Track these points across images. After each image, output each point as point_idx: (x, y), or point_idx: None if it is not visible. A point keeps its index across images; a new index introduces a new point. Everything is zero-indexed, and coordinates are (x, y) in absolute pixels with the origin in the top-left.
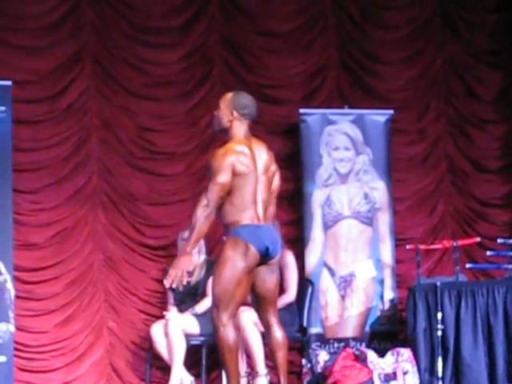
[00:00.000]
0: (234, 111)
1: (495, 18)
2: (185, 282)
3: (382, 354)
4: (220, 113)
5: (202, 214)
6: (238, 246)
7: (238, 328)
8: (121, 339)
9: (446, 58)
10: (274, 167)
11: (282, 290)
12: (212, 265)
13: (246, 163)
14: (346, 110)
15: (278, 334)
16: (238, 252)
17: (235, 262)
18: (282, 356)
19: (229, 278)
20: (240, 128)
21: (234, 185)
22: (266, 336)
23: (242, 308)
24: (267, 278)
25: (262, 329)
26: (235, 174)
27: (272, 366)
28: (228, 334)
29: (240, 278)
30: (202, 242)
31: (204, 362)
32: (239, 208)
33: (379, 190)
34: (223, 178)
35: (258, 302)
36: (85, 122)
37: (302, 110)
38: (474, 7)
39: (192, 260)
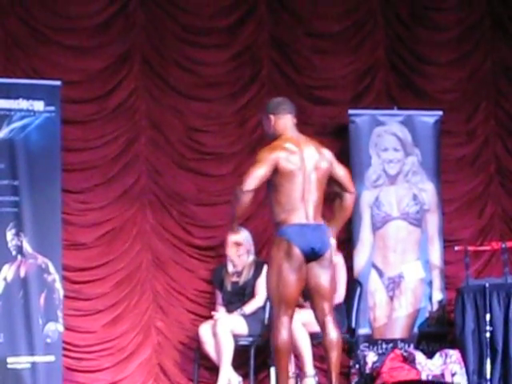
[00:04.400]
0: (270, 115)
1: None
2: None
3: (430, 355)
4: (264, 126)
5: (237, 195)
6: (281, 246)
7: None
8: (169, 339)
9: (496, 59)
10: (326, 164)
11: None
12: (260, 265)
13: (293, 161)
14: (395, 111)
15: (333, 333)
16: (280, 252)
17: (278, 262)
18: (335, 356)
19: (274, 278)
20: (284, 126)
21: (280, 183)
22: (321, 335)
23: None
24: (319, 275)
25: (311, 329)
26: (281, 171)
27: (320, 367)
28: (277, 334)
29: (285, 278)
30: (251, 242)
31: (252, 362)
32: (286, 207)
33: (428, 192)
34: (261, 171)
35: (312, 300)
36: (133, 122)
37: (350, 111)
38: None
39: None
